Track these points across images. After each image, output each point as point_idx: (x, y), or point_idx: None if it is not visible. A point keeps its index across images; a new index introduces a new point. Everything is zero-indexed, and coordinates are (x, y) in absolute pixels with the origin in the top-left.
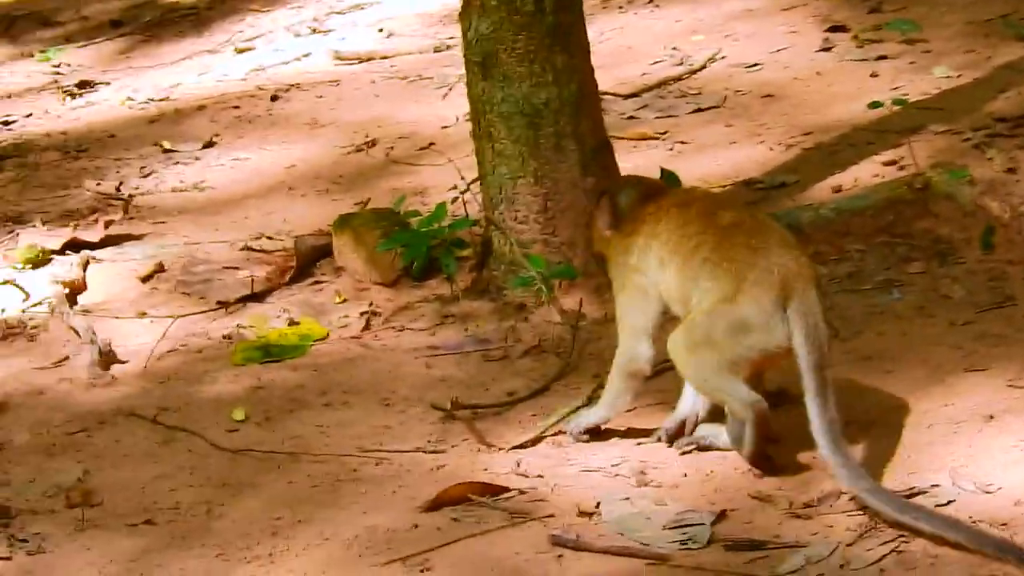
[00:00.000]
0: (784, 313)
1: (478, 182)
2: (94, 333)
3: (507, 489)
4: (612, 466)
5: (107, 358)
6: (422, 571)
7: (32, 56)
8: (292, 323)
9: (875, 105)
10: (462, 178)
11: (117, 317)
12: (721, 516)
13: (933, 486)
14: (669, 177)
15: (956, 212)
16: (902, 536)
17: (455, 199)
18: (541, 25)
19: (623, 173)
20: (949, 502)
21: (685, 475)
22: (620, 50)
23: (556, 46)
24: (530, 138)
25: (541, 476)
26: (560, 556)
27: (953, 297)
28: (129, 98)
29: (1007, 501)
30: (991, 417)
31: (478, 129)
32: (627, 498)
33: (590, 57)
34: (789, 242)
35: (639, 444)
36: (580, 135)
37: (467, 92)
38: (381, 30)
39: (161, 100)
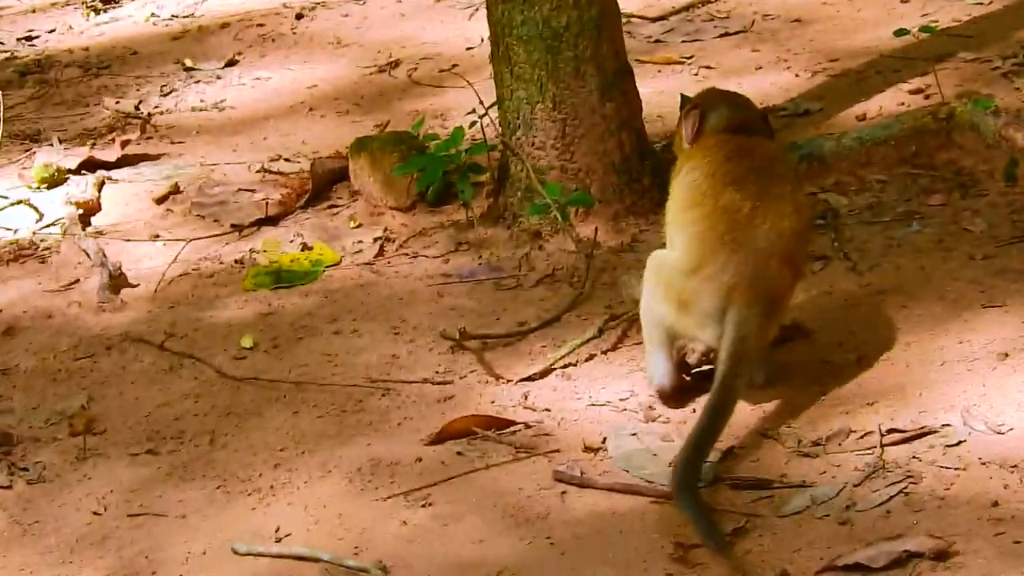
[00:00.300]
0: (722, 316)
1: (496, 106)
2: (105, 256)
3: (513, 423)
4: (620, 400)
5: (117, 282)
6: (423, 506)
7: None
8: (305, 248)
9: (901, 33)
10: (481, 102)
11: (128, 240)
12: (728, 453)
13: (944, 426)
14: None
15: (979, 143)
16: (910, 477)
17: (473, 123)
18: None
19: (643, 100)
20: (960, 442)
21: (694, 410)
22: None
23: None
24: (549, 62)
25: (548, 410)
26: (564, 493)
27: (973, 230)
28: (153, 14)
29: (1019, 441)
30: (1006, 355)
31: (497, 52)
32: (634, 434)
33: None
34: (780, 242)
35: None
36: (600, 60)
37: (487, 15)
38: None
39: (185, 17)
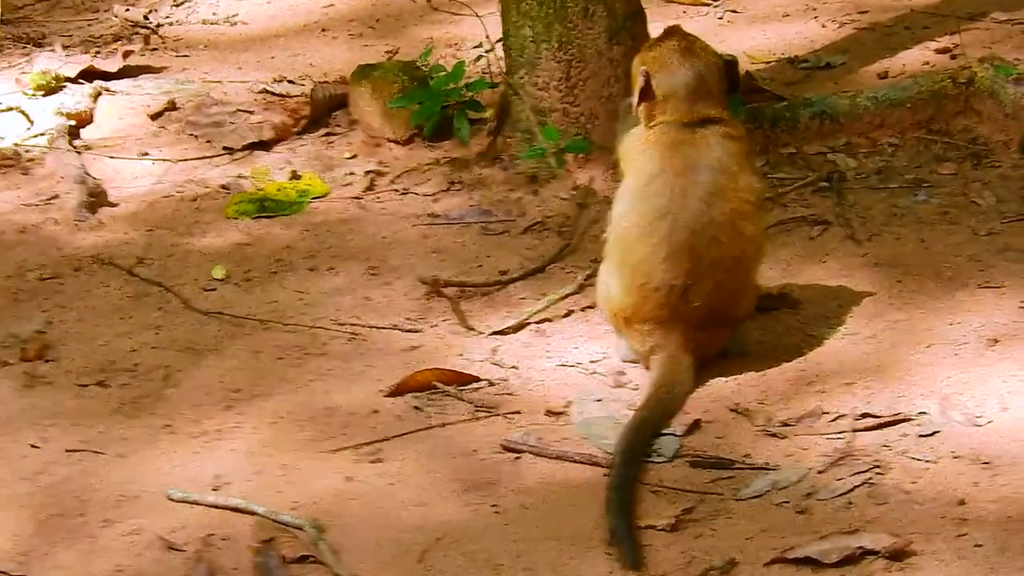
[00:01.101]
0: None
1: (501, 42)
2: (86, 172)
3: (477, 379)
4: (591, 362)
5: (96, 200)
6: (372, 462)
7: None
8: (294, 176)
9: None
10: (487, 37)
11: (113, 157)
12: (694, 427)
13: (921, 413)
14: None
15: (998, 111)
16: (877, 467)
17: (479, 58)
18: None
19: None
20: (934, 433)
21: None
22: None
23: None
24: (558, 1)
25: (516, 367)
26: (517, 458)
27: (981, 204)
28: None
29: (995, 436)
30: (996, 341)
31: None
32: (599, 400)
33: None
34: (720, 270)
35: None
36: (611, 1)
37: None
38: None
39: None
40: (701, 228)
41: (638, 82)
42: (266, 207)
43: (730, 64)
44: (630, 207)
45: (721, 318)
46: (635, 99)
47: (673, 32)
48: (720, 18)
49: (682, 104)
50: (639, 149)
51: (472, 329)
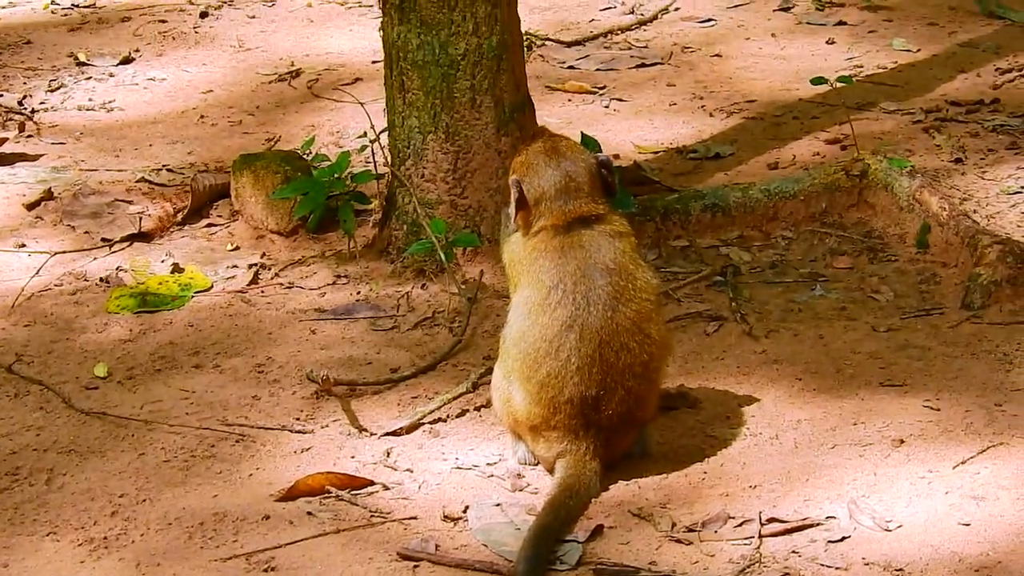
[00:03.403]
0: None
1: (387, 132)
2: None
3: (371, 483)
4: (488, 464)
5: None
6: (265, 571)
7: None
8: (176, 269)
9: (818, 81)
10: (372, 126)
11: None
12: (597, 532)
13: (829, 518)
14: (588, 143)
15: (893, 205)
16: (787, 575)
17: (363, 148)
18: None
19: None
20: (844, 538)
21: None
22: None
23: None
24: (444, 91)
25: (410, 470)
26: (416, 567)
27: (879, 299)
28: (53, 2)
29: (906, 541)
30: (901, 441)
31: (390, 76)
32: (498, 504)
33: (516, 7)
34: (627, 376)
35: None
36: (498, 91)
37: (382, 36)
38: None
39: (87, 7)
40: (609, 336)
41: (512, 191)
42: (148, 301)
43: (603, 163)
44: (531, 322)
45: (631, 422)
46: (512, 208)
47: (539, 134)
48: (606, 106)
49: (555, 205)
50: (528, 258)
51: (364, 430)
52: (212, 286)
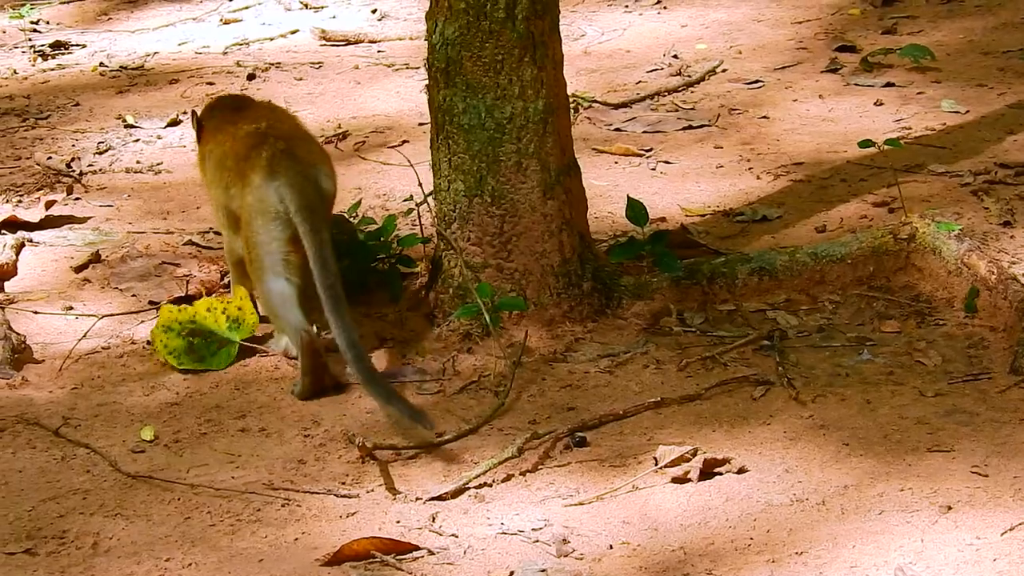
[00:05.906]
0: (276, 185)
1: (433, 196)
2: (9, 327)
3: (416, 548)
4: (534, 530)
5: (20, 356)
6: None
7: (5, 10)
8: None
9: (866, 144)
10: (419, 184)
11: (37, 312)
12: None
13: None
14: (634, 207)
15: (941, 268)
16: None
17: (410, 211)
18: (511, 33)
19: (595, 193)
20: None
21: (611, 547)
22: (619, 53)
23: (526, 57)
24: (490, 154)
25: (456, 535)
26: None
27: (927, 363)
28: (102, 63)
29: None
30: (949, 508)
31: (436, 140)
32: (543, 570)
33: (562, 70)
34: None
35: None
36: (544, 155)
37: (428, 99)
38: (375, 11)
39: (134, 69)
40: None
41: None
42: (195, 347)
43: None
44: None
45: None
46: None
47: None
48: (653, 169)
49: None
50: None
51: (409, 494)
52: (258, 321)
